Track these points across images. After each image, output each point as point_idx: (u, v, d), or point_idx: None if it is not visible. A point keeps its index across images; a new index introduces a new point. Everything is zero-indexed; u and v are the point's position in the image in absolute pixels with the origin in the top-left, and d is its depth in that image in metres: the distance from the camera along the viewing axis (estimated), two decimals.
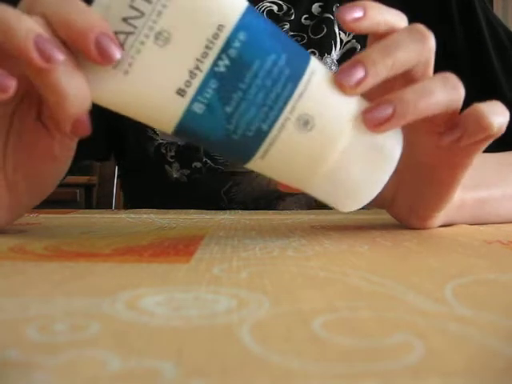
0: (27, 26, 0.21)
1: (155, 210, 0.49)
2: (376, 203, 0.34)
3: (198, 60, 0.22)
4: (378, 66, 0.24)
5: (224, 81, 0.22)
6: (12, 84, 0.21)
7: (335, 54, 0.55)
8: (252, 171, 0.25)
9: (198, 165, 0.56)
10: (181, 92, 0.22)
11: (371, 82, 0.24)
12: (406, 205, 0.33)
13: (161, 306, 0.15)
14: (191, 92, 0.22)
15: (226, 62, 0.22)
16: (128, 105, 0.23)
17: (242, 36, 0.22)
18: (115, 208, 0.94)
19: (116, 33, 0.22)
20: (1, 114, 0.27)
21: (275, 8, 0.55)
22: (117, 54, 0.21)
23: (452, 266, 0.21)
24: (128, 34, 0.22)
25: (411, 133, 0.27)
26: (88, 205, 1.64)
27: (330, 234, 0.31)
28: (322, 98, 0.23)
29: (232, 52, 0.22)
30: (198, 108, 0.22)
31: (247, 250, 0.25)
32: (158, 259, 0.23)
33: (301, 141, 0.22)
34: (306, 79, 0.22)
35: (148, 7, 0.21)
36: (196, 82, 0.22)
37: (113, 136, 0.61)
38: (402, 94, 0.24)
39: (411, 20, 0.27)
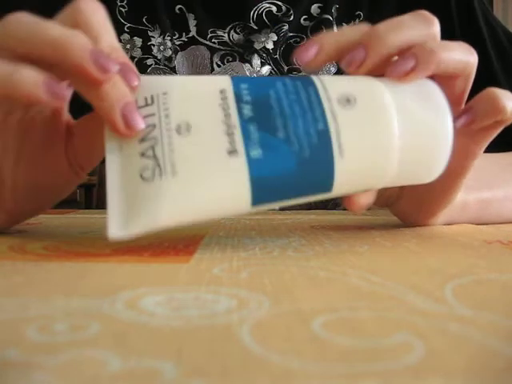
0: (80, 42, 0.22)
1: None
2: (380, 202, 0.34)
3: (224, 121, 0.22)
4: (378, 47, 0.25)
5: (259, 119, 0.22)
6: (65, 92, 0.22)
7: None
8: None
9: None
10: (233, 153, 0.22)
11: (372, 61, 0.25)
12: (411, 202, 0.33)
13: (161, 306, 0.15)
14: (241, 146, 0.22)
15: (248, 106, 0.23)
16: (198, 201, 0.22)
17: (243, 84, 0.23)
18: None
19: (142, 141, 0.22)
20: (8, 127, 0.27)
21: (274, 9, 0.55)
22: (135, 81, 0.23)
23: (452, 266, 0.21)
24: (152, 144, 0.22)
25: None
26: (88, 205, 1.64)
27: (330, 234, 0.31)
28: (341, 79, 0.24)
29: (246, 97, 0.23)
30: (257, 154, 0.22)
31: (247, 249, 0.25)
32: (158, 259, 0.23)
33: (357, 116, 0.23)
34: (315, 77, 0.24)
35: (155, 115, 0.23)
36: (238, 137, 0.22)
37: None
38: (423, 44, 0.25)
39: None
